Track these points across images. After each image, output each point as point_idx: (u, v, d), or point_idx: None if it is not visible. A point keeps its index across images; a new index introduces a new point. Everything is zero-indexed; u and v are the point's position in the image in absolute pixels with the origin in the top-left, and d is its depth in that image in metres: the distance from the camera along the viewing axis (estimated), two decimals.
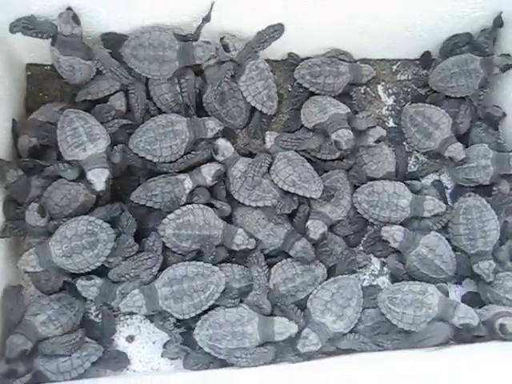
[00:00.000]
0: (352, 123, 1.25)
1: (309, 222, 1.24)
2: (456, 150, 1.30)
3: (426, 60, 1.42)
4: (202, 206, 1.21)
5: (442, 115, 1.32)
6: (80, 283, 1.14)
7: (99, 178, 1.14)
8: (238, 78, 1.29)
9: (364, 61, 1.41)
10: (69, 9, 1.16)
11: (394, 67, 1.43)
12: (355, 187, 1.29)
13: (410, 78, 1.43)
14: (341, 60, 1.35)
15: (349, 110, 1.27)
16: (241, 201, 1.24)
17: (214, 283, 1.14)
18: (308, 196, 1.23)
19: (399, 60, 1.43)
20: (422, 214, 1.26)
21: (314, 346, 1.13)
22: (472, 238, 1.25)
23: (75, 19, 1.16)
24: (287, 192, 1.23)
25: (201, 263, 1.15)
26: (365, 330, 1.20)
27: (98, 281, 1.14)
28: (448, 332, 1.16)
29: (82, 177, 1.17)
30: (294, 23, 1.28)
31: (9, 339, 1.11)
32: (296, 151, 1.28)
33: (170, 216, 1.19)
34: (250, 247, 1.20)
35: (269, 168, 1.26)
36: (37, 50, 1.27)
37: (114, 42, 1.25)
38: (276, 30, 1.27)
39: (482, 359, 1.07)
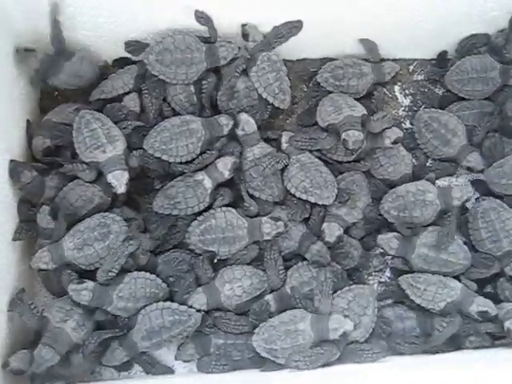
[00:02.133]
0: (367, 125, 1.24)
1: (324, 225, 1.22)
2: (475, 160, 1.30)
3: (442, 60, 1.40)
4: (223, 208, 1.20)
5: (456, 122, 1.31)
6: (71, 287, 1.11)
7: (120, 181, 1.14)
8: (249, 70, 1.27)
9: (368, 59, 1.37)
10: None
11: (411, 67, 1.41)
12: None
13: (426, 78, 1.41)
14: (363, 60, 1.34)
15: (364, 112, 1.25)
16: (239, 182, 1.24)
17: (191, 326, 1.13)
18: (320, 203, 1.22)
19: (416, 60, 1.41)
20: (453, 202, 1.24)
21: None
22: (496, 240, 1.23)
23: None
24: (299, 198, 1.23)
25: (176, 306, 1.13)
26: None
27: (90, 284, 1.12)
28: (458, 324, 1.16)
29: (97, 179, 1.17)
30: (307, 22, 1.27)
31: (37, 352, 1.08)
32: (310, 151, 1.26)
33: (194, 223, 1.20)
34: (280, 230, 1.19)
35: (283, 170, 1.24)
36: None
37: (135, 48, 1.26)
38: (295, 27, 1.26)
39: None
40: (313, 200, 1.22)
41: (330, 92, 1.32)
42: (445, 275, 1.20)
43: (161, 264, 1.20)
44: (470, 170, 1.32)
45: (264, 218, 1.20)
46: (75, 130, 1.16)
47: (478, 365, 1.07)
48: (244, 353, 1.15)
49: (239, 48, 1.27)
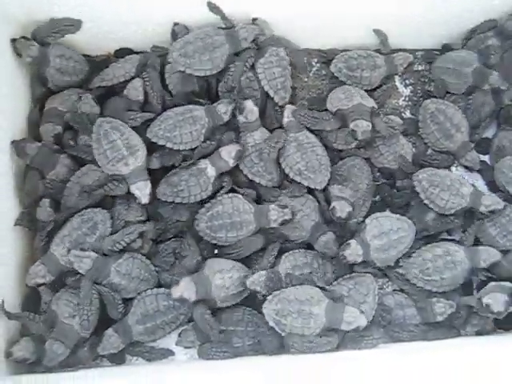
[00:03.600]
0: (373, 119, 1.24)
1: (334, 203, 1.22)
2: (473, 160, 1.31)
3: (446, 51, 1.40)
4: (230, 194, 1.21)
5: (461, 117, 1.31)
6: (74, 253, 1.11)
7: (143, 191, 1.16)
8: (256, 61, 1.28)
9: (379, 51, 1.38)
10: None
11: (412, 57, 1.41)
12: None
13: (427, 68, 1.41)
14: (377, 52, 1.35)
15: (374, 105, 1.26)
16: (240, 168, 1.24)
17: (184, 314, 1.16)
18: (313, 187, 1.23)
19: (416, 50, 1.42)
20: (479, 207, 1.23)
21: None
22: (506, 234, 1.24)
23: None
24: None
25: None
26: None
27: (93, 254, 1.12)
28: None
29: None
30: (311, 14, 1.28)
31: (48, 346, 1.09)
32: (311, 131, 1.27)
33: (201, 210, 1.20)
34: (287, 218, 1.19)
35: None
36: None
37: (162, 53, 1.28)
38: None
39: None
40: (306, 183, 1.23)
41: (343, 83, 1.33)
42: None
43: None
44: (466, 168, 1.33)
45: (272, 205, 1.20)
46: (94, 141, 1.17)
47: (477, 349, 1.08)
48: (244, 339, 1.16)
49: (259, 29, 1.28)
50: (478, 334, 1.16)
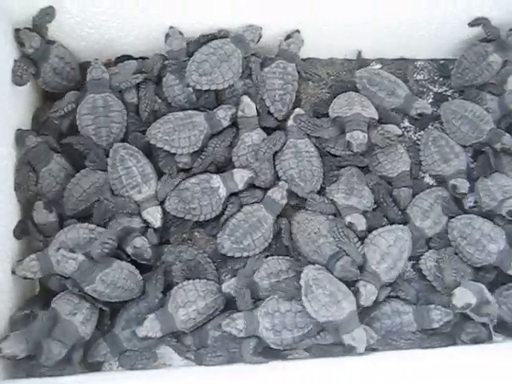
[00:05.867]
0: (370, 131, 1.25)
1: (348, 218, 1.21)
2: (461, 185, 1.28)
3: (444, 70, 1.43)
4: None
5: (460, 147, 1.32)
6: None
7: (155, 216, 1.19)
8: (261, 69, 1.30)
9: (381, 60, 1.41)
10: None
11: (411, 67, 1.42)
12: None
13: (426, 77, 1.42)
14: (405, 82, 1.36)
15: (374, 117, 1.26)
16: (236, 165, 1.25)
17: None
18: (300, 195, 1.24)
19: (416, 60, 1.43)
20: (508, 270, 1.20)
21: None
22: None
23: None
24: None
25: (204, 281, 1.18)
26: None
27: (80, 257, 1.11)
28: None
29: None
30: (313, 23, 1.30)
31: (46, 346, 1.08)
32: (310, 138, 1.28)
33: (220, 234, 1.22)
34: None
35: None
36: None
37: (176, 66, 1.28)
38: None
39: None
40: (294, 190, 1.24)
41: (357, 90, 1.34)
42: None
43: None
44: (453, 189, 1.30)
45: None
46: (110, 166, 1.19)
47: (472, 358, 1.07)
48: (241, 345, 1.16)
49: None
50: (473, 342, 1.16)
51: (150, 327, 1.12)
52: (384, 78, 1.34)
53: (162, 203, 1.21)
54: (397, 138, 1.28)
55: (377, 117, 1.27)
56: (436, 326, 1.17)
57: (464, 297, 1.13)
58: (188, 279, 1.18)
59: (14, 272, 1.13)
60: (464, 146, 1.33)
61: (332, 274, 1.16)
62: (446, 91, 1.41)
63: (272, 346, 1.13)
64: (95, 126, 1.21)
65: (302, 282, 1.13)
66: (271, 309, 1.13)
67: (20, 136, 1.20)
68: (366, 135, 1.23)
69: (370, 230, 1.22)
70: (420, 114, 1.33)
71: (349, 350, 1.10)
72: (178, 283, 1.17)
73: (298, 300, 1.13)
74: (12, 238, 1.16)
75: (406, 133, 1.38)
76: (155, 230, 1.20)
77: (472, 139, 1.32)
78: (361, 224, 1.21)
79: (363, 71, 1.35)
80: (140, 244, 1.16)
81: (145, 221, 1.20)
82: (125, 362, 1.16)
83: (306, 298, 1.11)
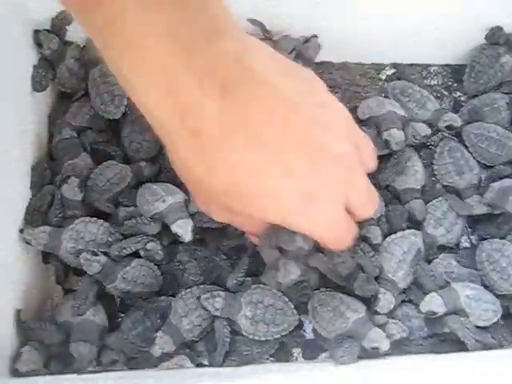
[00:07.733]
0: (404, 128, 1.24)
1: (363, 230, 1.17)
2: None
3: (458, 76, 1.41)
4: None
5: (475, 161, 1.29)
6: (84, 256, 1.10)
7: (185, 229, 1.14)
8: None
9: (394, 65, 1.41)
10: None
11: (425, 72, 1.42)
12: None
13: (440, 82, 1.42)
14: (436, 97, 1.35)
15: (406, 115, 1.26)
16: None
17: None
18: None
19: (430, 65, 1.43)
20: None
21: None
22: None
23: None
24: None
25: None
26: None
27: (103, 258, 1.11)
28: None
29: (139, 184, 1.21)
30: (323, 26, 1.30)
31: (73, 348, 1.07)
32: None
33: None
34: None
35: None
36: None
37: None
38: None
39: None
40: None
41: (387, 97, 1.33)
42: None
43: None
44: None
45: None
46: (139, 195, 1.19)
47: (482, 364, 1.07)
48: (253, 348, 1.15)
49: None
50: (484, 347, 1.15)
51: (163, 343, 1.11)
52: (416, 92, 1.33)
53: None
54: (421, 139, 1.26)
55: (406, 115, 1.26)
56: (447, 330, 1.16)
57: (431, 304, 1.13)
58: (201, 275, 1.18)
59: (21, 231, 1.13)
60: (489, 167, 1.29)
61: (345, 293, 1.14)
62: (460, 97, 1.40)
63: (243, 333, 1.13)
64: None
65: (309, 307, 1.13)
66: (255, 298, 1.12)
67: (56, 123, 1.24)
68: (403, 133, 1.22)
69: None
70: (448, 127, 1.30)
71: (373, 353, 1.09)
72: (193, 280, 1.18)
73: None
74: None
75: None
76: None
77: (503, 158, 1.29)
78: (376, 238, 1.19)
79: (397, 82, 1.35)
80: (151, 247, 1.17)
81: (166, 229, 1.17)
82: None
83: (314, 320, 1.12)
